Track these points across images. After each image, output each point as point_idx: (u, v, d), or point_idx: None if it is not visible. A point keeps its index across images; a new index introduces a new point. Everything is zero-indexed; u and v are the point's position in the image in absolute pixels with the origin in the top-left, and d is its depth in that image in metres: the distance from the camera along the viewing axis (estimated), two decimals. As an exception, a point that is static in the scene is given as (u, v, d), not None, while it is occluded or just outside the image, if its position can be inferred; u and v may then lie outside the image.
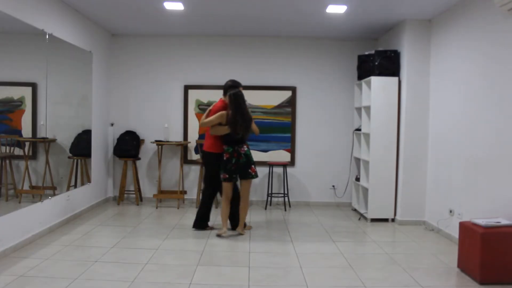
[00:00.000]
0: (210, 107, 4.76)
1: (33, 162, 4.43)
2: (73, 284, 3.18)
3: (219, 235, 4.58)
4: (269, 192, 6.33)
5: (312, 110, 6.54)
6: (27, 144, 4.31)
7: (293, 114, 6.52)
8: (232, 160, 4.54)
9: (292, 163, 6.52)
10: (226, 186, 4.62)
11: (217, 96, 6.08)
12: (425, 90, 5.29)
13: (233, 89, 4.62)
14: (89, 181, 5.72)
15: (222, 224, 4.66)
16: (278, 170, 6.54)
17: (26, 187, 4.30)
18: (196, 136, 6.48)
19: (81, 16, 5.38)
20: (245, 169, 4.58)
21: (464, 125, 4.42)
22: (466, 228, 3.55)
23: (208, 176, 4.81)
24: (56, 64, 4.71)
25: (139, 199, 6.41)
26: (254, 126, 4.71)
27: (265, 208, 6.22)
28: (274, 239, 4.62)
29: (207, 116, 4.65)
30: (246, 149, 4.59)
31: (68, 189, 5.14)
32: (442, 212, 4.85)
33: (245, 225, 4.81)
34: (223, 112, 4.55)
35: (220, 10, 5.11)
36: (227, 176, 4.56)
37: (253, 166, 4.63)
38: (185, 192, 6.36)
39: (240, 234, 4.69)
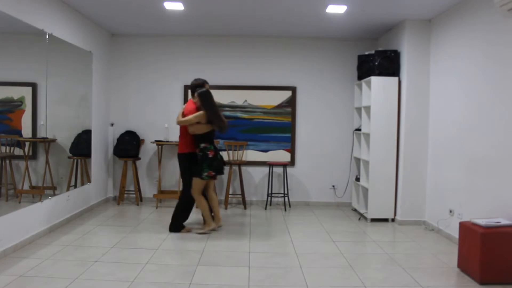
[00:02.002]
0: (182, 110, 4.72)
1: (33, 162, 4.42)
2: (73, 284, 3.18)
3: (212, 230, 4.77)
4: (269, 192, 6.33)
5: (312, 110, 6.54)
6: (27, 144, 4.30)
7: (293, 114, 6.52)
8: (218, 156, 4.68)
9: (292, 163, 6.52)
10: (201, 183, 4.63)
11: (217, 95, 6.09)
12: (425, 90, 5.29)
13: (200, 88, 4.66)
14: (89, 181, 5.72)
15: (207, 220, 4.76)
16: (278, 170, 6.54)
17: (26, 187, 4.30)
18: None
19: (81, 16, 5.38)
20: (222, 164, 4.76)
21: (464, 125, 4.42)
22: (466, 228, 3.55)
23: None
24: (56, 64, 4.71)
25: (139, 199, 6.41)
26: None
27: (265, 208, 6.22)
28: (274, 239, 4.62)
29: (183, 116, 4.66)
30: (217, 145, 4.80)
31: (68, 189, 5.14)
32: (442, 212, 4.85)
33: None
34: (202, 112, 4.55)
35: (220, 10, 5.11)
36: (213, 173, 4.61)
37: None
38: (185, 192, 6.36)
39: (219, 227, 4.88)
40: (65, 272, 3.41)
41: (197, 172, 4.58)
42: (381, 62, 5.49)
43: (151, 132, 6.49)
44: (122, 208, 6.00)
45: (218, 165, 4.65)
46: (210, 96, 4.63)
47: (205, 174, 4.55)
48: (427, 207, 5.30)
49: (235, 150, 6.41)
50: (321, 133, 6.55)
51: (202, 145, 4.59)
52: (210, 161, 4.57)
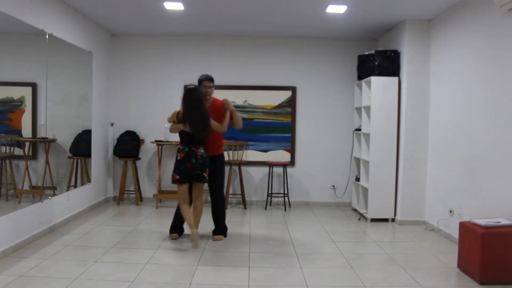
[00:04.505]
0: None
1: (33, 162, 4.42)
2: (73, 284, 3.18)
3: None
4: (269, 192, 6.33)
5: (312, 110, 6.54)
6: (27, 144, 4.30)
7: (293, 114, 6.52)
8: (187, 160, 4.20)
9: (292, 163, 6.52)
10: (179, 188, 4.27)
11: (217, 96, 6.11)
12: (425, 90, 5.29)
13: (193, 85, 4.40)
14: (89, 181, 5.72)
15: (191, 228, 4.20)
16: (278, 170, 6.54)
17: (26, 187, 4.30)
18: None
19: (81, 16, 5.38)
20: (200, 171, 4.25)
21: (464, 125, 4.42)
22: (466, 228, 3.55)
23: None
24: (56, 64, 4.71)
25: (139, 199, 6.41)
26: (225, 123, 4.45)
27: (265, 208, 6.22)
28: (274, 239, 4.62)
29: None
30: (202, 151, 4.27)
31: (68, 189, 5.14)
32: (442, 212, 4.84)
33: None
34: (176, 110, 4.35)
35: (220, 10, 5.11)
36: (177, 177, 4.22)
37: (207, 169, 4.31)
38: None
39: (193, 244, 4.19)
40: (65, 272, 3.41)
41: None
42: (381, 62, 5.49)
43: (151, 132, 6.49)
44: (122, 208, 6.00)
45: (184, 170, 4.20)
46: (190, 95, 4.26)
47: (172, 177, 4.30)
48: (427, 207, 5.30)
49: (235, 150, 6.41)
50: (321, 133, 6.55)
51: (179, 145, 4.36)
52: (177, 164, 4.25)
